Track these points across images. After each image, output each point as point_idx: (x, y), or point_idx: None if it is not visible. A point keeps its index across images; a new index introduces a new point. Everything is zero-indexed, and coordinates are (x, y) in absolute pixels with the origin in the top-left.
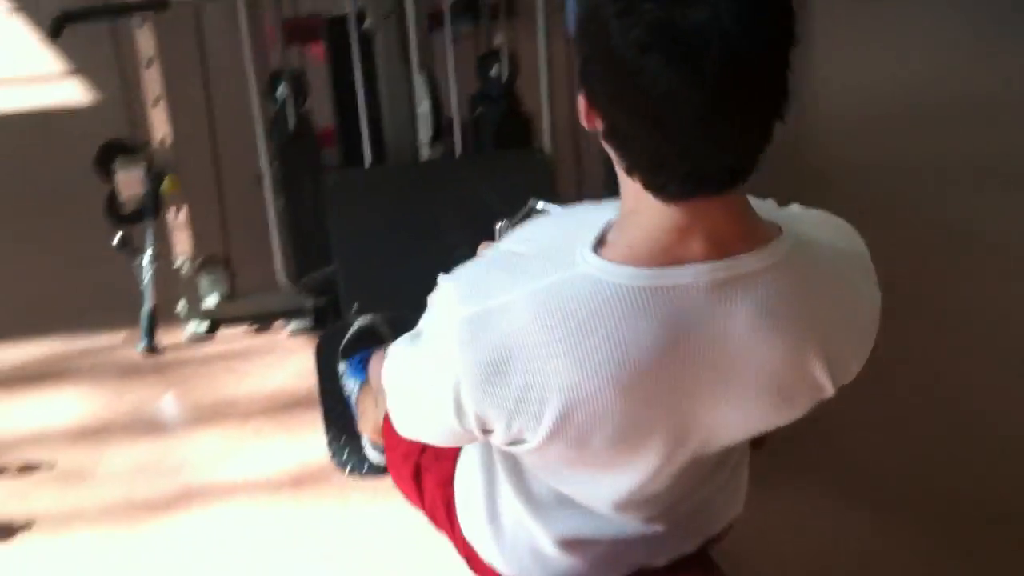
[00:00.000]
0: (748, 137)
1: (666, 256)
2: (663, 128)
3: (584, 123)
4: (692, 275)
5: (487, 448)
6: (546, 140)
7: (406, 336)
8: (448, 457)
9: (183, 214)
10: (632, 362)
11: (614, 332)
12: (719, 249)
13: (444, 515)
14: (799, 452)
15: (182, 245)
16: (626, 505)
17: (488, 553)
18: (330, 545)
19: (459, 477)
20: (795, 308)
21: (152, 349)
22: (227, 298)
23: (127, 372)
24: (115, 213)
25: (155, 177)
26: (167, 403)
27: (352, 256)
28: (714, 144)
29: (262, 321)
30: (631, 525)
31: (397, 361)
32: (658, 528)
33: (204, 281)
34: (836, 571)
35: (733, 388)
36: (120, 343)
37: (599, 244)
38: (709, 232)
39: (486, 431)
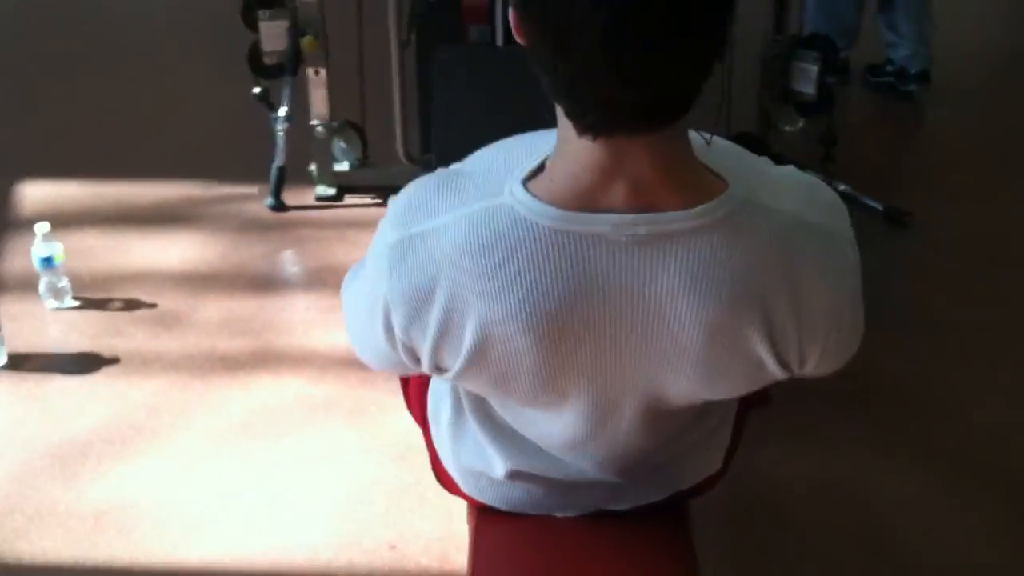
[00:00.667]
0: (661, 70)
1: (587, 199)
2: (566, 52)
3: (517, 38)
4: (611, 225)
5: None
6: None
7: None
8: None
9: (323, 76)
10: (542, 306)
11: (526, 272)
12: (642, 200)
13: (420, 418)
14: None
15: (319, 107)
16: (576, 449)
17: (449, 467)
18: (379, 433)
19: (432, 387)
20: (727, 273)
21: (277, 206)
22: (357, 165)
23: (248, 225)
24: (257, 64)
25: (296, 34)
26: (275, 262)
27: (450, 133)
28: (618, 74)
29: (389, 193)
30: (590, 471)
31: (347, 282)
32: (619, 479)
33: (337, 146)
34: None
35: (658, 351)
36: (254, 195)
37: (534, 174)
38: (633, 179)
39: (415, 358)
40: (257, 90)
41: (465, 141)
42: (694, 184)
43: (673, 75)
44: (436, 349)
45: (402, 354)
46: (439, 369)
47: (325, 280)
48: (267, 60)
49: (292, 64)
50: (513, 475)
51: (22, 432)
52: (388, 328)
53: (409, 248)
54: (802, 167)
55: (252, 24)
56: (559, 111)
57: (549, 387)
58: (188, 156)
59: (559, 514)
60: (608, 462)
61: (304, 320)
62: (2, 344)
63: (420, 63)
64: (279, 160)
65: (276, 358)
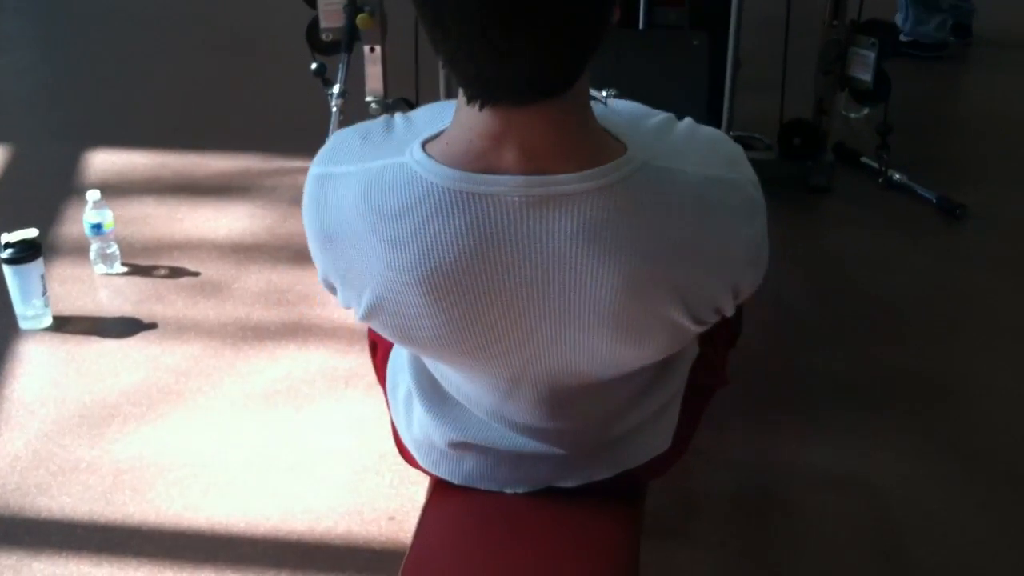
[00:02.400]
0: (535, 46)
1: (480, 162)
2: (444, 29)
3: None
4: (504, 186)
5: None
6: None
7: None
8: None
9: (378, 53)
10: (435, 262)
11: (420, 229)
12: (533, 164)
13: (385, 394)
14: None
15: (374, 84)
16: (499, 416)
17: (404, 438)
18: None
19: (391, 360)
20: (626, 235)
21: None
22: None
23: (299, 199)
24: (315, 41)
25: (353, 11)
26: None
27: None
28: (493, 50)
29: None
30: (529, 443)
31: None
32: (560, 451)
33: None
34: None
35: (563, 312)
36: (308, 169)
37: (435, 137)
38: (523, 145)
39: (333, 290)
40: (314, 66)
41: None
42: (589, 149)
43: (549, 51)
44: (344, 289)
45: (323, 284)
46: (349, 308)
47: None
48: (324, 37)
49: (348, 41)
50: (456, 445)
51: (56, 392)
52: (314, 256)
53: (322, 185)
54: (857, 155)
55: (311, 2)
56: None
57: (454, 346)
58: (251, 130)
59: (509, 490)
60: (537, 432)
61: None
62: (47, 307)
63: None
64: (332, 135)
65: (306, 330)
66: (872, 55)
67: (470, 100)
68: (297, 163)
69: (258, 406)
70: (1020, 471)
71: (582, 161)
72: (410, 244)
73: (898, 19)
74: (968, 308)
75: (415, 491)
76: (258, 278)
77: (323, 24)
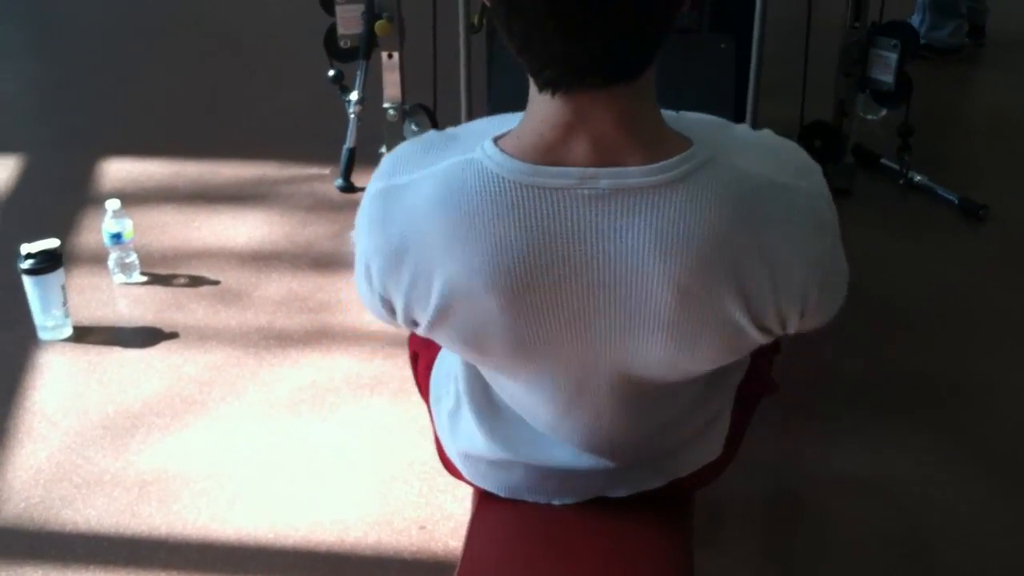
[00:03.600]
0: (609, 28)
1: (551, 154)
2: (518, 11)
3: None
4: (573, 178)
5: None
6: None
7: None
8: (435, 346)
9: (395, 59)
10: (505, 262)
11: (491, 226)
12: (604, 156)
13: (427, 400)
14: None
15: (391, 90)
16: (558, 427)
17: (449, 451)
18: (420, 415)
19: (435, 370)
20: (693, 234)
21: (346, 188)
22: None
23: (317, 206)
24: (333, 47)
25: (371, 18)
26: (339, 243)
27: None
28: (567, 32)
29: None
30: (582, 458)
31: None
32: (612, 464)
33: (409, 128)
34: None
35: (627, 315)
36: (326, 176)
37: (507, 133)
38: (595, 136)
39: (391, 310)
40: (332, 73)
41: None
42: (657, 142)
43: (622, 33)
44: (408, 303)
45: (380, 306)
46: (413, 323)
47: None
48: (342, 43)
49: (366, 48)
50: (505, 462)
51: (78, 403)
52: (368, 278)
53: (388, 199)
54: (877, 157)
55: (329, 8)
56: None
57: (520, 351)
58: (267, 137)
59: (557, 501)
60: (595, 444)
61: (360, 301)
62: (68, 317)
63: (490, 48)
64: (350, 142)
65: (329, 337)
66: (894, 56)
67: (542, 88)
68: (313, 170)
69: (283, 415)
70: None
71: (649, 154)
72: (483, 243)
73: (914, 20)
74: (991, 310)
75: (444, 500)
76: (279, 286)
77: (341, 30)
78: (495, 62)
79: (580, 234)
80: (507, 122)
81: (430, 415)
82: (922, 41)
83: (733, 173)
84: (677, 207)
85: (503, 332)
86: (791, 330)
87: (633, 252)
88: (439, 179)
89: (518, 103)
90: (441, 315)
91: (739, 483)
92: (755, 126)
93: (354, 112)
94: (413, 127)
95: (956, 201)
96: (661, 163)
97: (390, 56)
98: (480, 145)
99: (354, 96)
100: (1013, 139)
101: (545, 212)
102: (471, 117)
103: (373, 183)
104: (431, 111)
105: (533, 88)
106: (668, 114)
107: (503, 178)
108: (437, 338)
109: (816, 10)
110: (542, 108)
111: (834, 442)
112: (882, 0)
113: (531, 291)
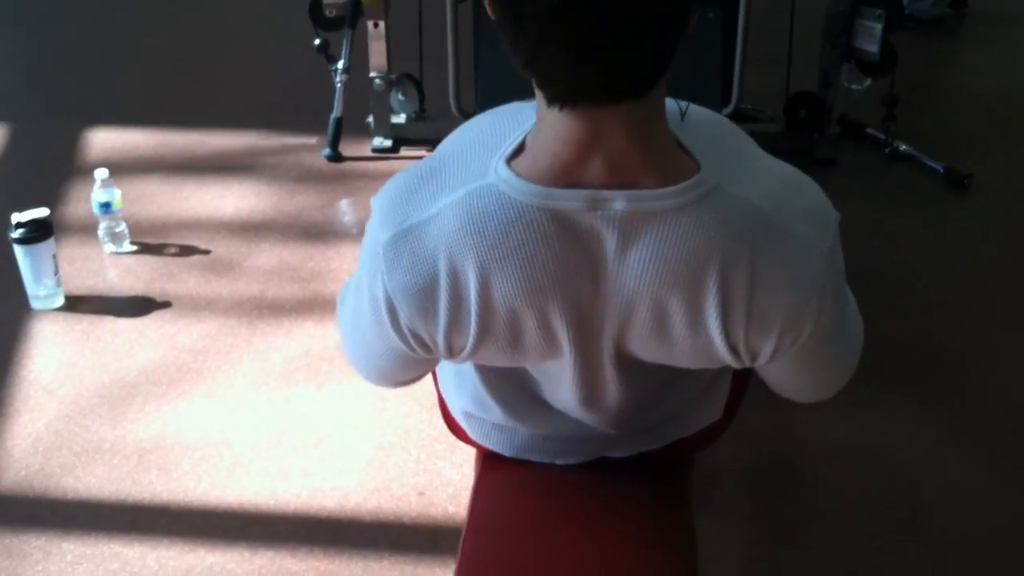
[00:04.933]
0: (614, 46)
1: (566, 175)
2: (523, 28)
3: (488, 10)
4: (588, 200)
5: None
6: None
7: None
8: None
9: (381, 28)
10: (537, 281)
11: (518, 250)
12: (619, 177)
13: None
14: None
15: (378, 60)
16: (588, 402)
17: (455, 412)
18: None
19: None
20: (690, 257)
21: (334, 157)
22: (415, 118)
23: (305, 175)
24: (318, 17)
25: None
26: (329, 212)
27: (497, 88)
28: (572, 50)
29: None
30: (584, 426)
31: (341, 301)
32: (614, 432)
33: (395, 98)
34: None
35: (623, 324)
36: (313, 145)
37: (518, 151)
38: (610, 154)
39: (426, 347)
40: (318, 42)
41: (511, 96)
42: (667, 162)
43: (628, 51)
44: (448, 335)
45: (415, 346)
46: (452, 352)
47: None
48: (328, 12)
49: (352, 16)
50: (509, 427)
51: (73, 372)
52: (396, 325)
53: (404, 243)
54: (862, 127)
55: None
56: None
57: (547, 355)
58: (252, 107)
59: (561, 461)
60: (607, 419)
61: (352, 269)
62: (59, 286)
63: (477, 18)
64: (337, 111)
65: (321, 306)
66: (879, 27)
67: (550, 102)
68: (299, 140)
69: (278, 384)
70: None
71: (662, 176)
72: (512, 268)
73: None
74: (978, 279)
75: (443, 466)
76: (269, 255)
77: (327, 0)
78: (482, 31)
79: (592, 252)
80: (483, 133)
81: (433, 376)
82: (905, 12)
83: (737, 205)
84: (679, 233)
85: (539, 341)
86: (760, 363)
87: (630, 271)
88: (462, 209)
89: (505, 74)
90: (483, 336)
91: (737, 452)
92: (741, 95)
93: (340, 81)
94: (400, 96)
95: (941, 170)
96: (672, 187)
97: (376, 25)
98: (493, 169)
99: (340, 65)
100: (995, 109)
101: (563, 231)
102: (458, 87)
103: (378, 233)
104: (418, 81)
105: (540, 102)
106: (672, 106)
107: (521, 202)
108: (478, 358)
109: None
110: (554, 124)
111: (828, 411)
112: None
113: (558, 300)
